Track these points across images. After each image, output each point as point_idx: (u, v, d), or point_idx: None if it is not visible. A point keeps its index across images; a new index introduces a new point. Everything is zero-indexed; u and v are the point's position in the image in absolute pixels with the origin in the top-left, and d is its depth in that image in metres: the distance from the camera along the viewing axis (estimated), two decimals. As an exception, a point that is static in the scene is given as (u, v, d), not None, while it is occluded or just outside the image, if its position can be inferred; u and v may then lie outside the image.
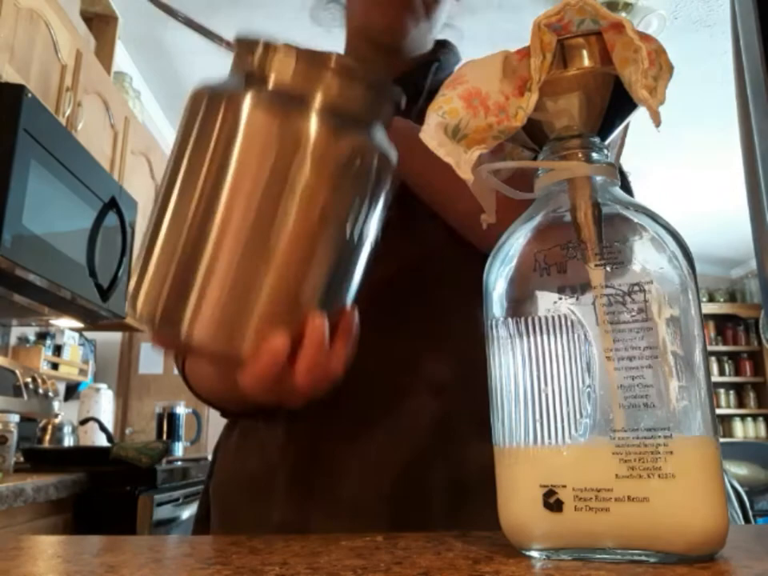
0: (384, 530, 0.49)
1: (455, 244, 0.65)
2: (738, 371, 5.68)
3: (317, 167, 0.41)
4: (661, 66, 0.41)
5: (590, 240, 0.40)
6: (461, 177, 0.43)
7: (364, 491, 0.61)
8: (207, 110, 0.43)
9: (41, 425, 2.26)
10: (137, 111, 2.73)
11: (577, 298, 0.39)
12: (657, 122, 0.40)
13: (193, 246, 0.41)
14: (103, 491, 1.66)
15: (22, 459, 1.83)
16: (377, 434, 0.62)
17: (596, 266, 0.39)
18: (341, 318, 0.45)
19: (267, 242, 0.40)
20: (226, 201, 0.41)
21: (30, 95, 1.64)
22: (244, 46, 0.45)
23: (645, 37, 0.42)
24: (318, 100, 0.42)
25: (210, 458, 0.76)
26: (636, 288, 0.38)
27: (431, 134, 0.44)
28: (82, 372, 2.93)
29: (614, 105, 0.43)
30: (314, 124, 0.42)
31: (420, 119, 0.52)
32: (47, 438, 2.24)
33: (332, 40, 0.88)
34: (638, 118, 0.45)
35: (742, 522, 1.59)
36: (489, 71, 0.45)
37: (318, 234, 0.42)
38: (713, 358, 5.53)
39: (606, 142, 0.45)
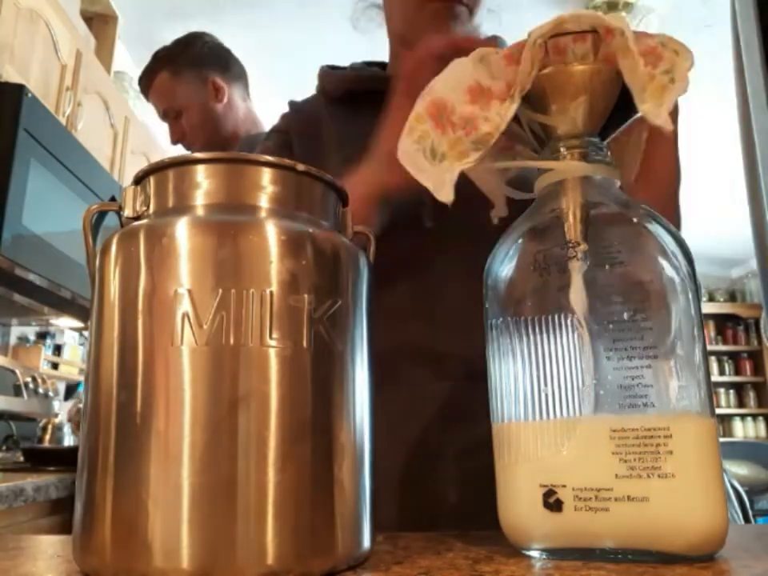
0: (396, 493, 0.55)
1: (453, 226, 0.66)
2: (737, 371, 5.68)
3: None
4: (677, 52, 0.41)
5: (575, 240, 0.40)
6: (440, 200, 0.43)
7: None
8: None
9: (41, 424, 2.25)
10: (137, 111, 2.73)
11: (577, 298, 0.39)
12: (667, 129, 0.39)
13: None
14: (103, 491, 1.65)
15: (21, 459, 1.83)
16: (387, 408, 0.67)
17: (595, 265, 0.39)
18: None
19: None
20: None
21: (29, 95, 1.64)
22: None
23: (645, 34, 0.42)
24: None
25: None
26: (636, 288, 0.38)
27: (410, 159, 0.44)
28: (82, 371, 2.93)
29: (622, 102, 0.43)
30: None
31: None
32: (47, 437, 2.24)
33: (370, 44, 0.89)
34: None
35: (742, 522, 1.59)
36: (455, 78, 0.45)
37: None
38: (713, 358, 5.53)
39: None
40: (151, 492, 0.33)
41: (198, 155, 0.40)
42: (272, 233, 0.37)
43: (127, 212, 0.40)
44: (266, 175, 0.39)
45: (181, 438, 0.33)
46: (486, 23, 0.81)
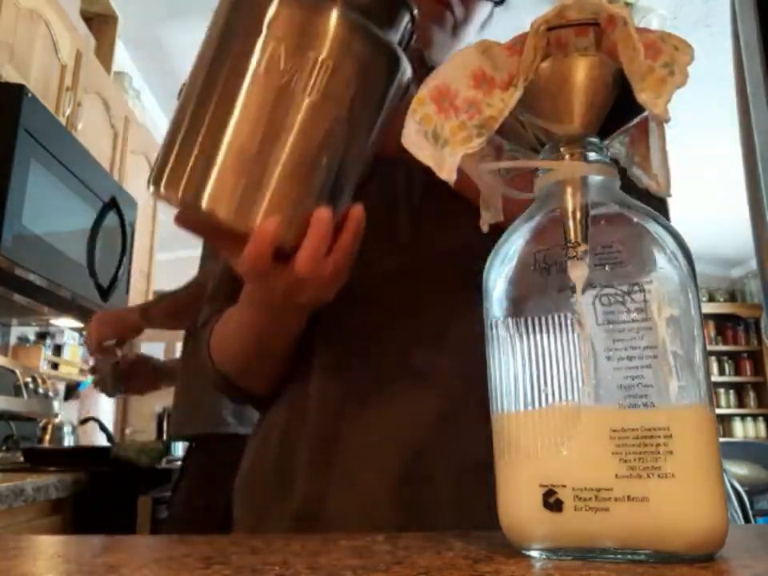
0: (393, 505, 0.57)
1: (451, 237, 0.66)
2: (738, 371, 5.68)
3: (339, 65, 0.48)
4: (676, 47, 0.41)
5: (575, 240, 0.40)
6: (442, 177, 0.43)
7: (373, 469, 0.65)
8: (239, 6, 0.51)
9: (41, 425, 2.26)
10: (137, 111, 2.73)
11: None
12: (664, 119, 0.39)
13: (215, 131, 0.46)
14: (103, 491, 1.66)
15: (21, 459, 1.83)
16: (383, 418, 0.66)
17: (595, 265, 0.39)
18: (347, 215, 0.50)
19: (284, 130, 0.47)
20: (248, 89, 0.47)
21: (29, 95, 1.65)
22: None
23: (645, 29, 0.42)
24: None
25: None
26: (636, 288, 0.38)
27: (412, 139, 0.44)
28: (82, 372, 2.93)
29: (622, 99, 0.43)
30: (337, 22, 0.48)
31: None
32: (47, 437, 2.24)
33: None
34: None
35: (742, 522, 1.59)
36: (459, 64, 0.45)
37: (331, 126, 0.48)
38: (713, 358, 5.53)
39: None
40: (211, 153, 0.46)
41: None
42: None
43: None
44: None
45: (235, 121, 0.46)
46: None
